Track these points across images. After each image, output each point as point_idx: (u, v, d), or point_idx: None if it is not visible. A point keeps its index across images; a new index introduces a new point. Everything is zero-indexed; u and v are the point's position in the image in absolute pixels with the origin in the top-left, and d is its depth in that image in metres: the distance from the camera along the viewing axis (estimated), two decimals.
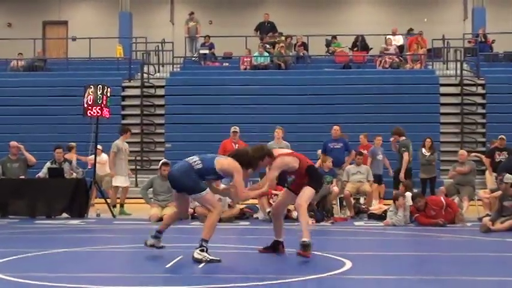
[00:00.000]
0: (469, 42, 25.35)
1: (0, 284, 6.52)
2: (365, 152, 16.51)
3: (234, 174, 7.98)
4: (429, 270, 7.66)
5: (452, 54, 24.27)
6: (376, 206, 14.82)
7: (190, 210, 14.01)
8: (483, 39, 24.97)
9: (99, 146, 16.18)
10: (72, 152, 17.41)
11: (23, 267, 7.52)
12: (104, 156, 16.83)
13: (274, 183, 8.54)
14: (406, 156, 14.98)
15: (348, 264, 7.61)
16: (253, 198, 11.39)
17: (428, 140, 15.95)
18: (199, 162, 8.04)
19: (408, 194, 13.39)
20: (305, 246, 7.97)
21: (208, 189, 8.11)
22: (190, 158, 8.18)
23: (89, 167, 16.87)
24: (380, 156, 16.63)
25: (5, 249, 8.99)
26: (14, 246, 9.43)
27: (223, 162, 8.07)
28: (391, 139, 15.99)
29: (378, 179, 16.20)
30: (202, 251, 7.77)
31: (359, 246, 9.82)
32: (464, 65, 23.17)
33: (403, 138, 15.42)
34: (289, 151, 9.52)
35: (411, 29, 25.97)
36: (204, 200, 8.07)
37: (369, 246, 10.10)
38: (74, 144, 17.84)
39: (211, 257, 7.74)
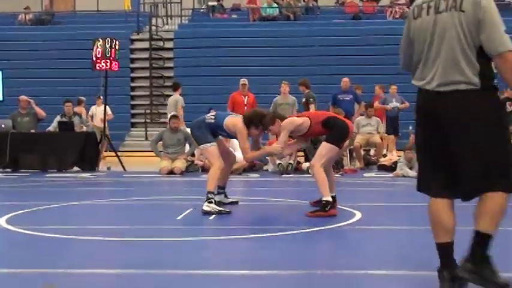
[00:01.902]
0: None
1: (13, 236, 6.59)
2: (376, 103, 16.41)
3: (237, 135, 8.07)
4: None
5: None
6: (386, 158, 14.81)
7: (201, 163, 14.08)
8: None
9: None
10: (81, 106, 17.48)
11: (34, 220, 7.59)
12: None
13: (286, 145, 8.35)
14: (312, 108, 14.71)
15: (358, 215, 7.64)
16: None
17: None
18: (213, 117, 8.28)
19: None
20: (324, 205, 7.67)
21: (214, 143, 8.17)
22: (210, 113, 8.53)
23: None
24: (394, 104, 16.51)
25: (16, 203, 9.06)
26: (25, 199, 9.51)
27: (230, 120, 8.14)
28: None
29: (393, 129, 16.15)
30: (210, 203, 7.83)
31: (369, 198, 9.83)
32: None
33: (308, 90, 15.22)
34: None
35: None
36: (207, 152, 8.30)
37: (378, 197, 10.12)
38: (83, 98, 17.90)
39: (220, 209, 7.79)
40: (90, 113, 17.75)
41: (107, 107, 16.36)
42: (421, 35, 4.16)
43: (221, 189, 8.54)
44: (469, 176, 4.09)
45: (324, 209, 7.63)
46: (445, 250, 4.23)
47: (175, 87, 16.12)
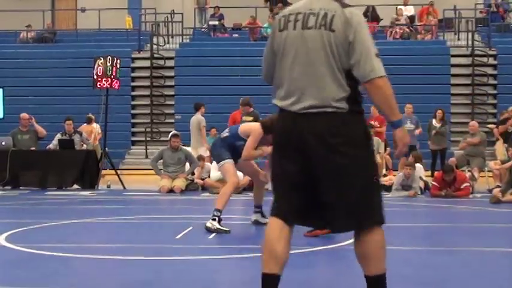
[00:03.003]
0: (481, 12, 25.12)
1: (12, 254, 6.57)
2: (376, 123, 16.40)
3: (250, 135, 8.08)
4: (439, 241, 7.67)
5: (463, 24, 24.07)
6: (386, 178, 14.81)
7: (201, 182, 14.08)
8: (495, 9, 24.74)
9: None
10: (91, 124, 17.55)
11: (34, 238, 7.58)
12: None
13: None
14: None
15: None
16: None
17: (439, 111, 15.88)
18: (227, 131, 8.43)
19: (419, 166, 13.36)
20: None
21: (229, 160, 8.18)
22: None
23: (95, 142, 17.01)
24: (408, 126, 16.03)
25: (16, 220, 9.05)
26: (25, 217, 9.49)
27: (246, 125, 8.39)
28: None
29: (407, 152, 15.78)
30: (213, 220, 7.82)
31: None
32: (476, 36, 22.99)
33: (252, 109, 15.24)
34: None
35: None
36: (223, 169, 8.31)
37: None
38: (92, 116, 17.93)
39: (218, 227, 7.77)
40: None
41: (97, 125, 16.46)
42: (286, 51, 3.82)
43: (258, 208, 8.55)
44: (335, 208, 3.79)
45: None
46: (270, 283, 3.88)
47: (197, 107, 16.09)
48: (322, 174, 3.77)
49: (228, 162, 8.17)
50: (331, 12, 3.73)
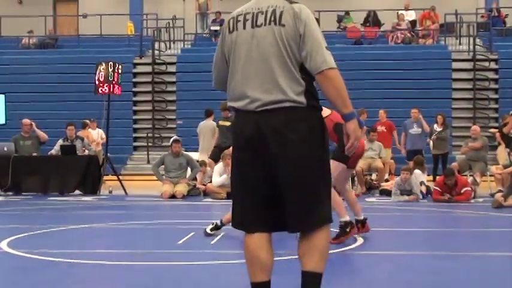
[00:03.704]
0: (482, 16, 25.13)
1: (14, 260, 6.57)
2: (383, 128, 16.38)
3: None
4: (441, 246, 7.66)
5: (465, 29, 24.08)
6: (388, 182, 14.80)
7: (203, 187, 14.08)
8: (496, 14, 24.75)
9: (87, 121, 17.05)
10: (86, 129, 17.56)
11: (36, 244, 7.57)
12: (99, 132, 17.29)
13: None
14: None
15: (360, 240, 7.62)
16: None
17: (439, 116, 15.87)
18: None
19: (417, 172, 13.37)
20: (343, 226, 7.36)
21: None
22: None
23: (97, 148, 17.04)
24: (415, 130, 16.14)
25: (18, 226, 9.05)
26: (27, 222, 9.50)
27: None
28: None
29: (411, 156, 15.48)
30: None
31: (371, 223, 9.80)
32: (477, 40, 23.00)
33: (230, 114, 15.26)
34: None
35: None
36: None
37: (380, 222, 10.09)
38: (87, 121, 17.95)
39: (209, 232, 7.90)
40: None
41: (101, 130, 16.47)
42: (237, 51, 3.81)
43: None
44: (293, 207, 3.74)
45: (344, 231, 7.38)
46: None
47: (209, 113, 16.09)
48: (279, 171, 3.73)
49: None
50: (280, 8, 3.76)
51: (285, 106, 3.70)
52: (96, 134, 17.67)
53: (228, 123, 14.71)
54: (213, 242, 7.56)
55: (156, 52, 23.60)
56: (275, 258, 6.18)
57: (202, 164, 14.52)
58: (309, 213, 3.75)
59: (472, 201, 12.63)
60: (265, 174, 3.76)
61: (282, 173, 3.73)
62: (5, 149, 14.65)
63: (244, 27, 3.81)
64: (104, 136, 16.94)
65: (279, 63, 3.72)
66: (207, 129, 15.79)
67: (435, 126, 15.91)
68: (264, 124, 3.72)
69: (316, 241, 3.79)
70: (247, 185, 3.82)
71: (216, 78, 4.04)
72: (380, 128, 16.16)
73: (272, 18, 3.74)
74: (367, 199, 13.44)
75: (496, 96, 21.62)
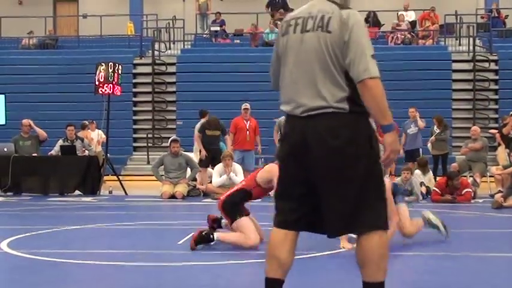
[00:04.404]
0: (482, 17, 25.13)
1: (14, 260, 6.58)
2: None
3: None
4: (441, 246, 7.66)
5: (464, 29, 24.09)
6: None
7: (202, 187, 14.08)
8: (496, 15, 24.76)
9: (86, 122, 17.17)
10: (85, 130, 17.57)
11: (36, 244, 7.58)
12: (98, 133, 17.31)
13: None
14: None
15: None
16: None
17: (434, 119, 15.87)
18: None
19: (417, 172, 13.37)
20: None
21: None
22: None
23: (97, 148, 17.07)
24: (412, 130, 16.09)
25: (18, 227, 9.05)
26: (27, 223, 9.50)
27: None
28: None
29: (408, 155, 15.48)
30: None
31: None
32: (477, 41, 23.01)
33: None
34: None
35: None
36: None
37: None
38: (87, 122, 17.97)
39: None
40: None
41: (100, 131, 16.48)
42: (287, 55, 3.87)
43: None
44: (333, 212, 3.75)
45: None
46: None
47: (202, 114, 16.09)
48: (322, 176, 3.74)
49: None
50: (328, 14, 3.75)
51: (327, 112, 3.72)
52: (95, 136, 17.68)
53: (218, 133, 14.70)
54: (212, 243, 7.55)
55: (156, 53, 23.61)
56: None
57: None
58: (350, 218, 3.74)
59: (472, 201, 12.64)
60: (306, 177, 3.80)
61: (322, 178, 3.75)
62: (5, 149, 14.65)
63: (294, 32, 3.85)
64: (103, 136, 16.94)
65: (323, 69, 3.73)
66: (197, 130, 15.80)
67: (434, 127, 15.92)
68: (308, 129, 3.75)
69: (368, 250, 3.75)
70: (288, 187, 3.88)
71: (274, 80, 4.08)
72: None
73: (320, 24, 3.75)
74: None
75: (496, 97, 21.62)
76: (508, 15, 25.24)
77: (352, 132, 3.72)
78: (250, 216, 7.42)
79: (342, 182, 3.72)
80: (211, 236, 7.17)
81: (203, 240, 7.14)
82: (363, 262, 3.78)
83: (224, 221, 7.47)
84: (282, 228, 3.88)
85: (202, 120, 15.64)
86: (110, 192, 14.63)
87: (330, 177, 3.73)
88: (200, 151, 14.61)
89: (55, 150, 15.05)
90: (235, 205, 7.30)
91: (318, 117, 3.73)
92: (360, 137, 3.75)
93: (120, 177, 15.10)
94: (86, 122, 17.82)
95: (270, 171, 7.18)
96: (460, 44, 23.68)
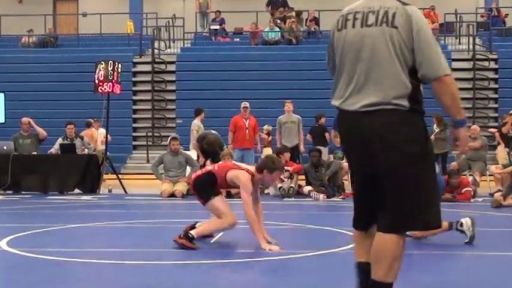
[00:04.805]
0: (482, 16, 25.14)
1: (13, 259, 6.58)
2: None
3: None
4: (440, 245, 7.66)
5: (464, 28, 24.09)
6: None
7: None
8: (496, 13, 24.76)
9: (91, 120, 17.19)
10: (91, 128, 17.57)
11: (35, 243, 7.58)
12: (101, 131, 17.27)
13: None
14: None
15: None
16: None
17: (434, 118, 15.88)
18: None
19: None
20: None
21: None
22: None
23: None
24: None
25: (17, 225, 9.05)
26: (26, 221, 9.50)
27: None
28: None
29: None
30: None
31: None
32: (477, 40, 23.01)
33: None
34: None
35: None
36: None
37: None
38: (91, 120, 17.93)
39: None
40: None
41: (103, 130, 16.48)
42: (345, 50, 3.82)
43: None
44: (389, 207, 3.77)
45: None
46: (364, 269, 3.98)
47: (197, 113, 16.13)
48: (378, 172, 3.78)
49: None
50: (392, 9, 3.73)
51: (387, 108, 3.71)
52: (101, 134, 17.61)
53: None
54: (212, 241, 7.56)
55: (156, 51, 23.61)
56: (280, 258, 6.21)
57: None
58: (406, 215, 3.75)
59: (472, 200, 12.64)
60: (366, 173, 3.86)
61: (381, 174, 3.78)
62: (5, 147, 14.65)
63: (353, 26, 3.79)
64: (109, 136, 16.89)
65: (387, 65, 3.70)
66: (199, 127, 15.83)
67: (434, 126, 15.92)
68: (366, 125, 3.74)
69: (382, 246, 3.77)
70: (356, 183, 4.03)
71: (331, 66, 4.10)
72: None
73: (384, 20, 3.70)
74: None
75: (496, 95, 21.63)
76: (508, 14, 25.24)
77: (411, 130, 3.74)
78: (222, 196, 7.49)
79: (397, 179, 3.73)
80: (190, 235, 7.05)
81: (188, 239, 7.01)
82: (377, 258, 3.79)
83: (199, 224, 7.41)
84: (357, 229, 4.04)
85: (196, 120, 15.70)
86: (110, 190, 14.63)
87: (386, 174, 3.76)
88: (198, 156, 14.61)
89: (55, 149, 15.05)
90: (206, 186, 7.34)
91: (377, 113, 3.72)
92: (417, 135, 3.76)
93: (119, 175, 15.11)
94: (91, 120, 17.81)
95: (239, 179, 7.15)
96: (459, 43, 23.69)
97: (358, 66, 3.76)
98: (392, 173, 3.73)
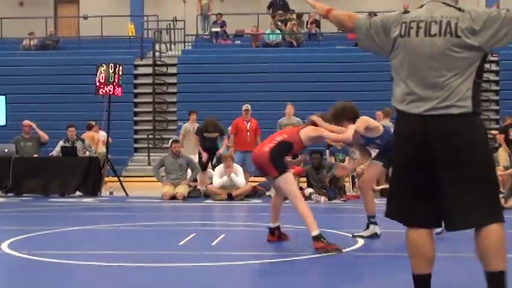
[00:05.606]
0: None
1: (15, 261, 6.58)
2: None
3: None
4: (441, 247, 7.64)
5: None
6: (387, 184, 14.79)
7: (203, 188, 14.08)
8: None
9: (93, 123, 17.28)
10: (92, 131, 17.58)
11: (36, 245, 7.58)
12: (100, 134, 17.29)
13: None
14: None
15: (360, 242, 7.62)
16: None
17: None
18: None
19: None
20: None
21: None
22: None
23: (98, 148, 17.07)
24: None
25: (18, 227, 9.06)
26: (27, 224, 9.50)
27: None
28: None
29: None
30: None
31: None
32: None
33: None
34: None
35: None
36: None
37: (380, 223, 10.09)
38: (93, 122, 17.94)
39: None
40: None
41: (104, 132, 16.51)
42: (407, 57, 3.95)
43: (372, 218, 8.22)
44: (459, 207, 3.93)
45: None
46: (424, 283, 4.14)
47: (190, 115, 16.27)
48: (443, 173, 3.90)
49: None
50: (454, 19, 3.86)
51: (452, 112, 3.86)
52: (101, 136, 17.60)
53: (216, 134, 14.84)
54: (213, 243, 7.56)
55: (157, 54, 23.61)
56: (281, 260, 6.23)
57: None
58: (472, 213, 3.94)
59: None
60: (428, 174, 3.95)
61: (446, 175, 3.91)
62: (6, 150, 14.65)
63: (417, 35, 3.92)
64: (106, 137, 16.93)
65: (451, 73, 3.86)
66: (187, 130, 15.89)
67: None
68: (430, 128, 3.88)
69: (490, 241, 3.98)
70: (410, 184, 4.02)
71: (365, 44, 4.29)
72: None
73: (448, 30, 3.85)
74: None
75: (497, 97, 21.61)
76: None
77: (474, 131, 3.91)
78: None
79: (463, 179, 3.89)
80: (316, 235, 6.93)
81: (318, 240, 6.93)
82: (486, 251, 4.01)
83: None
84: (412, 227, 4.13)
85: (189, 123, 15.79)
86: (111, 193, 14.63)
87: (452, 174, 3.90)
88: (199, 154, 14.67)
89: (56, 151, 15.06)
90: (283, 156, 7.24)
91: (441, 117, 3.87)
92: (480, 137, 3.95)
93: (120, 178, 15.10)
94: (93, 123, 17.81)
95: (316, 129, 7.19)
96: None
97: (421, 73, 3.92)
98: (457, 173, 3.88)
